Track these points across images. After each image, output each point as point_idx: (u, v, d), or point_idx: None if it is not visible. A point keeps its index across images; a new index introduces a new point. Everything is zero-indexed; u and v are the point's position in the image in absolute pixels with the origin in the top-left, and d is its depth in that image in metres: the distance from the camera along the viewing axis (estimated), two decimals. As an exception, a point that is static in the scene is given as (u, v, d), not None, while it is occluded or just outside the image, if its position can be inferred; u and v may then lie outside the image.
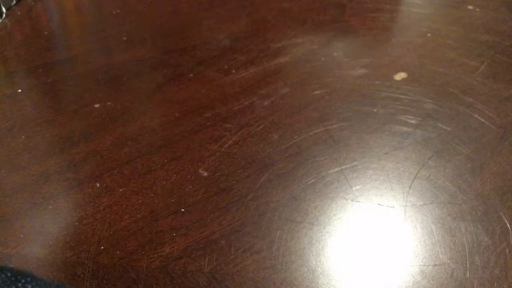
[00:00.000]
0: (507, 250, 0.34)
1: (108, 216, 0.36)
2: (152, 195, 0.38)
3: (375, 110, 0.48)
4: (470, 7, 0.72)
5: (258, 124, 0.46)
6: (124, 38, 0.62)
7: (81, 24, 0.68)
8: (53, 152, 0.43)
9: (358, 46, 0.61)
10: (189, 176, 0.40)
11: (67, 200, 0.38)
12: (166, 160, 0.42)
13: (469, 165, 0.41)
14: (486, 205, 0.37)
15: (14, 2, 0.71)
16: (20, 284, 0.17)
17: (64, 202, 0.37)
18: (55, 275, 0.32)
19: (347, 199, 0.38)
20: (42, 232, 0.35)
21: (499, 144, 0.44)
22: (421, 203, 0.37)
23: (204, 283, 0.31)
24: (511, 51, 0.59)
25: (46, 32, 0.64)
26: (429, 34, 0.63)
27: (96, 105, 0.49)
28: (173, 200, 0.38)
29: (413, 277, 0.32)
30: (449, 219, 0.36)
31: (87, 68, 0.56)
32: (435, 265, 0.33)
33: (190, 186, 0.39)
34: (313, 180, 0.39)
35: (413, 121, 0.46)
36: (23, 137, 0.44)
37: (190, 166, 0.41)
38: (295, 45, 0.60)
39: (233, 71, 0.55)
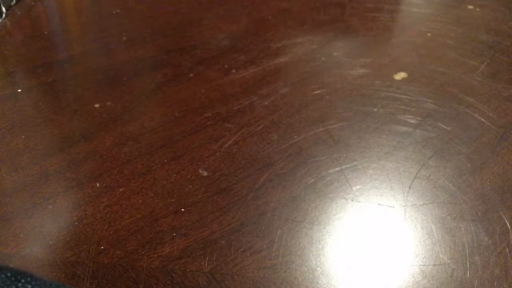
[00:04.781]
0: (507, 250, 0.34)
1: (108, 216, 0.36)
2: (152, 195, 0.38)
3: (375, 110, 0.48)
4: (470, 7, 0.72)
5: (258, 124, 0.46)
6: (124, 38, 0.62)
7: (81, 24, 0.68)
8: (53, 152, 0.42)
9: (358, 46, 0.61)
10: (189, 176, 0.40)
11: (67, 200, 0.38)
12: (166, 160, 0.42)
13: (469, 165, 0.41)
14: (486, 205, 0.37)
15: (14, 2, 0.71)
16: (20, 284, 0.17)
17: (64, 202, 0.37)
18: (55, 275, 0.32)
19: (347, 199, 0.38)
20: (42, 232, 0.35)
21: (499, 144, 0.44)
22: (421, 203, 0.37)
23: (204, 283, 0.31)
24: (511, 51, 0.59)
25: (46, 32, 0.64)
26: (429, 34, 0.63)
27: (96, 105, 0.49)
28: (173, 200, 0.38)
29: (413, 277, 0.32)
30: (449, 219, 0.36)
31: (87, 68, 0.56)
32: (435, 265, 0.33)
33: (190, 186, 0.39)
34: (313, 180, 0.39)
35: (413, 121, 0.46)
36: (23, 137, 0.44)
37: (190, 166, 0.41)
38: (295, 45, 0.60)
39: (233, 71, 0.55)
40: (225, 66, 0.56)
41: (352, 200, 0.38)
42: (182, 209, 0.37)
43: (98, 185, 0.39)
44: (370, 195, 0.38)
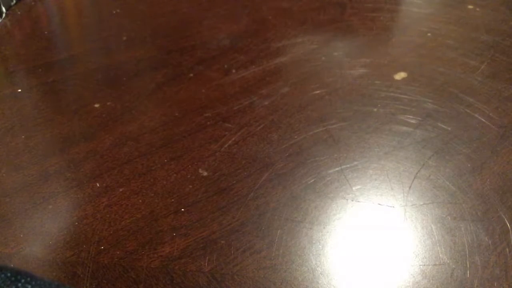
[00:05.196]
0: (507, 250, 0.34)
1: (108, 216, 0.36)
2: (152, 195, 0.38)
3: (375, 109, 0.48)
4: (470, 6, 0.72)
5: (258, 124, 0.46)
6: (124, 38, 0.62)
7: (81, 24, 0.68)
8: (53, 152, 0.43)
9: (358, 46, 0.61)
10: (189, 176, 0.40)
11: (67, 200, 0.38)
12: (166, 160, 0.42)
13: (469, 165, 0.41)
14: (486, 205, 0.37)
15: (14, 2, 0.71)
16: (20, 284, 0.17)
17: (64, 202, 0.37)
18: (55, 275, 0.32)
19: (347, 199, 0.38)
20: (42, 232, 0.35)
21: (499, 144, 0.44)
22: (421, 203, 0.37)
23: (204, 283, 0.31)
24: (511, 51, 0.59)
25: (46, 32, 0.64)
26: (429, 34, 0.63)
27: (96, 105, 0.49)
28: (173, 200, 0.38)
29: (413, 277, 0.32)
30: (449, 219, 0.36)
31: (87, 68, 0.56)
32: (435, 264, 0.33)
33: (190, 186, 0.39)
34: (313, 180, 0.39)
35: (413, 121, 0.46)
36: (23, 136, 0.44)
37: (190, 166, 0.41)
38: (295, 45, 0.60)
39: (233, 71, 0.55)
40: (225, 66, 0.56)
41: (352, 200, 0.38)
42: (182, 209, 0.37)
43: (98, 185, 0.39)
44: (370, 195, 0.38)
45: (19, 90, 0.51)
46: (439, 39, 0.62)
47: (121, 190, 0.39)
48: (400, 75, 0.54)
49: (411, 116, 0.47)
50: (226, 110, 0.48)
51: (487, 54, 0.58)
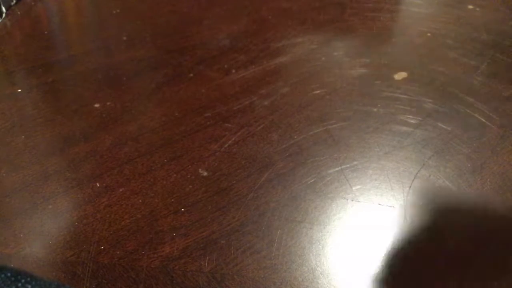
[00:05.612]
0: (507, 250, 0.34)
1: (108, 216, 0.36)
2: (152, 195, 0.38)
3: (375, 109, 0.48)
4: (470, 6, 0.72)
5: (258, 124, 0.46)
6: (124, 38, 0.62)
7: (81, 24, 0.68)
8: (53, 152, 0.42)
9: (358, 46, 0.61)
10: (189, 176, 0.40)
11: (67, 200, 0.38)
12: (166, 160, 0.42)
13: (469, 165, 0.41)
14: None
15: (14, 2, 0.71)
16: (20, 284, 0.17)
17: (64, 202, 0.37)
18: (55, 275, 0.32)
19: (347, 199, 0.38)
20: (42, 232, 0.35)
21: (499, 144, 0.44)
22: (421, 203, 0.37)
23: (204, 283, 0.31)
24: (511, 51, 0.59)
25: (46, 32, 0.64)
26: (429, 34, 0.63)
27: (96, 105, 0.49)
28: (173, 200, 0.38)
29: (413, 277, 0.32)
30: (449, 219, 0.36)
31: (87, 68, 0.56)
32: (435, 265, 0.33)
33: (190, 186, 0.39)
34: (313, 180, 0.39)
35: (413, 121, 0.46)
36: (23, 136, 0.44)
37: (190, 166, 0.41)
38: (295, 45, 0.60)
39: (233, 71, 0.55)
40: (225, 66, 0.56)
41: (352, 200, 0.38)
42: (182, 209, 0.37)
43: (98, 185, 0.39)
44: (370, 195, 0.38)
45: (19, 90, 0.51)
46: (439, 39, 0.62)
47: (121, 190, 0.39)
48: (400, 75, 0.54)
49: (411, 116, 0.47)
50: (226, 110, 0.48)
51: (487, 54, 0.58)
